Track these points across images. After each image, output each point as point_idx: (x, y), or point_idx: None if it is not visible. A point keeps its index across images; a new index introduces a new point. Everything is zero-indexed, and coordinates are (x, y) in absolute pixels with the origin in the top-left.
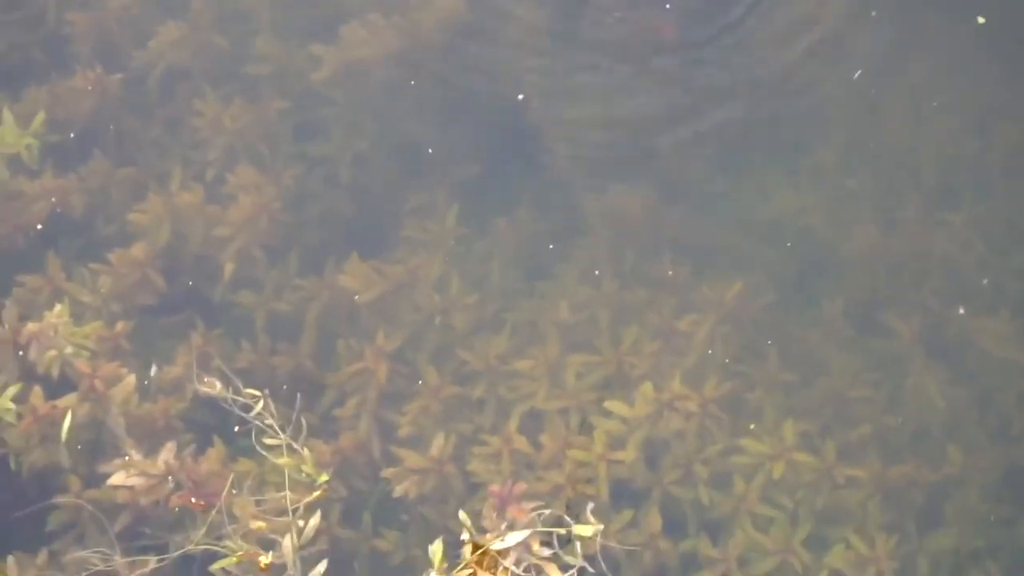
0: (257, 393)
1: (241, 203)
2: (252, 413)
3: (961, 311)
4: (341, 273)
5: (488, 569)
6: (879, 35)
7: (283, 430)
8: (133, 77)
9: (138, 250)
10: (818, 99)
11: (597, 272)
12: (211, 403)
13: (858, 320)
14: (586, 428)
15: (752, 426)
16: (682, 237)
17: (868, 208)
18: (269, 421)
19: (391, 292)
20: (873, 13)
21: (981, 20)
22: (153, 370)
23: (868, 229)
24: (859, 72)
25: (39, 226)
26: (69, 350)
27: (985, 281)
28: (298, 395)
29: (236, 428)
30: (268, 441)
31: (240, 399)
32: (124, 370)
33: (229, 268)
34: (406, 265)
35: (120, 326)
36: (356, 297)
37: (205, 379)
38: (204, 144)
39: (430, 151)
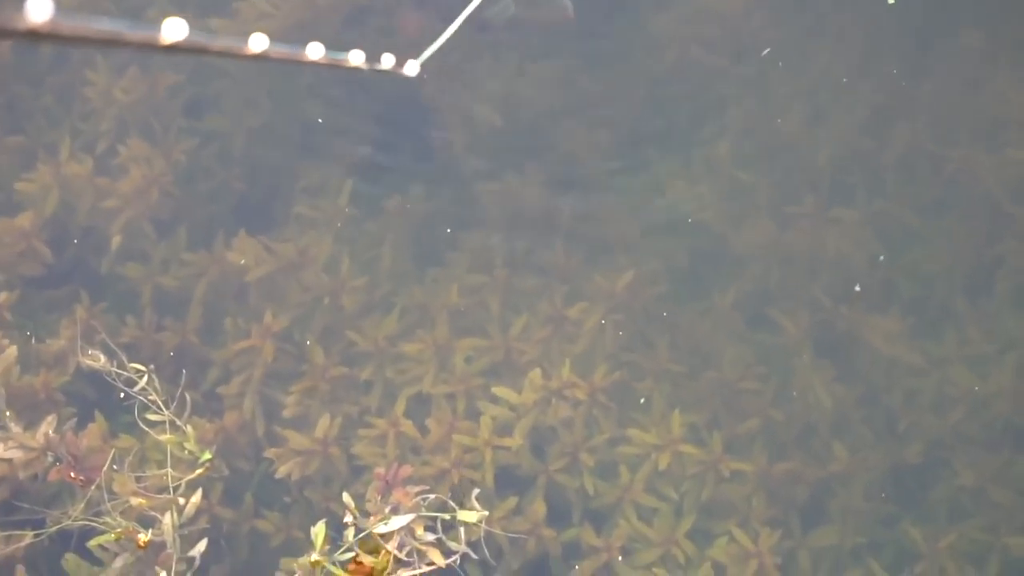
0: (142, 368)
1: (131, 175)
2: (136, 388)
3: (857, 287)
4: (230, 249)
5: (371, 552)
6: (778, 27)
7: (167, 406)
8: (25, 45)
9: (24, 220)
10: (714, 91)
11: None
12: (94, 377)
13: (749, 314)
14: (473, 413)
15: (639, 416)
16: (575, 226)
17: (762, 202)
18: (153, 397)
19: (280, 270)
20: (772, 7)
21: (891, 1)
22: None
23: (762, 223)
24: (767, 51)
25: None
26: None
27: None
28: (183, 372)
29: (122, 396)
30: (151, 417)
31: (124, 373)
32: (6, 341)
33: (117, 240)
34: (296, 244)
35: (3, 296)
36: (246, 276)
37: (89, 352)
38: (95, 115)
39: (324, 129)
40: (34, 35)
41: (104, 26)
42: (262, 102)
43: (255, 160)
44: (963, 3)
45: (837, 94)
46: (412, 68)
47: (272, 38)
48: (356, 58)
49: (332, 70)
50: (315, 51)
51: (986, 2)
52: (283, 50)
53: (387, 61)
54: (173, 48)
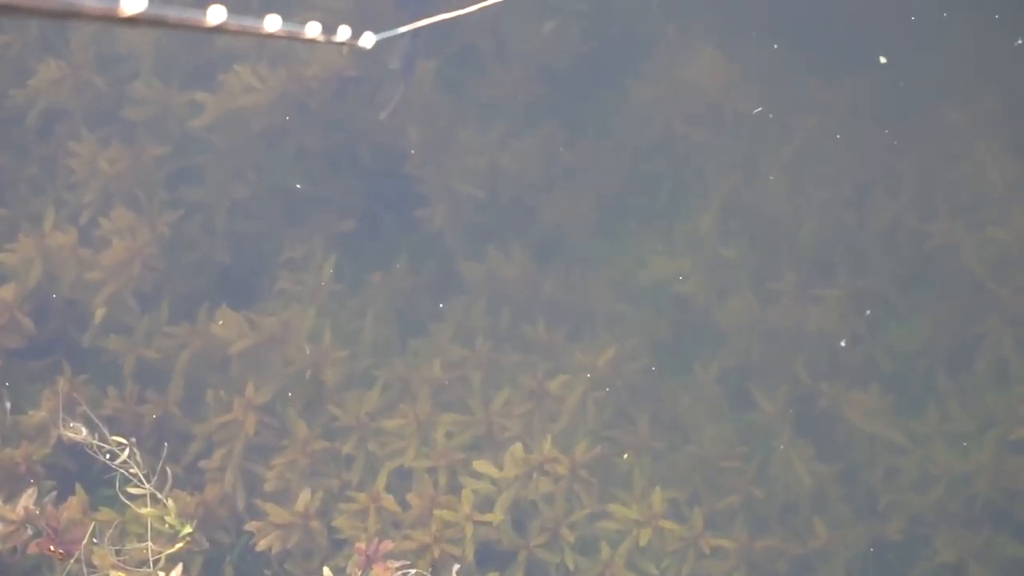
0: (123, 441)
1: (115, 247)
2: (117, 461)
3: (842, 343)
4: (213, 322)
5: None
6: (759, 101)
7: (148, 479)
8: (10, 115)
9: (6, 291)
10: (696, 165)
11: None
12: (74, 450)
13: (731, 389)
14: (454, 488)
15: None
16: (557, 300)
17: (744, 278)
18: (134, 470)
19: (262, 344)
20: (754, 82)
21: (883, 60)
22: (8, 406)
23: (744, 299)
24: (758, 109)
25: None
26: None
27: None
28: (164, 445)
29: (103, 469)
30: (132, 490)
31: (106, 446)
32: None
33: (100, 313)
34: (278, 317)
35: None
36: (228, 349)
37: (71, 424)
38: (79, 186)
39: (308, 201)
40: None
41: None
42: (246, 173)
43: (239, 232)
44: (943, 79)
45: (819, 169)
46: (367, 40)
47: (258, 111)
48: (312, 30)
49: (315, 137)
50: (272, 23)
51: (965, 78)
52: (240, 23)
53: (343, 33)
54: (132, 21)
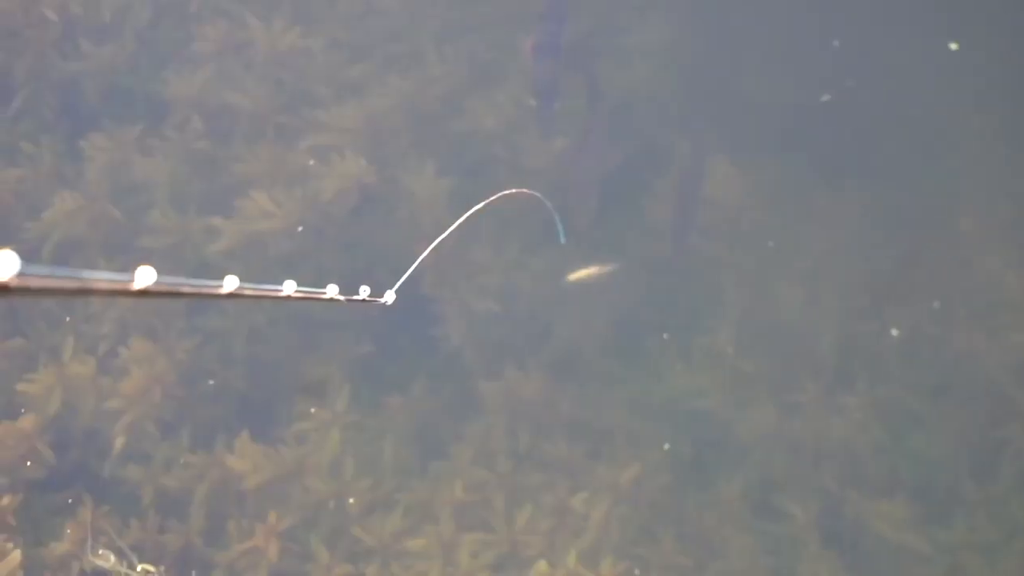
0: (151, 569)
1: (134, 376)
2: None
3: (894, 332)
4: (231, 453)
5: None
6: (774, 214)
7: None
8: (27, 248)
9: (27, 422)
10: (712, 279)
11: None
12: None
13: (755, 502)
14: None
15: None
16: (577, 418)
17: (764, 390)
18: None
19: (281, 476)
20: (767, 195)
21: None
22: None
23: (765, 411)
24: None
25: None
26: None
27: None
28: (193, 573)
29: None
30: None
31: (133, 574)
32: (9, 545)
33: (120, 442)
34: (297, 448)
35: (6, 500)
36: (246, 481)
37: (100, 552)
38: (97, 317)
39: (325, 326)
40: (4, 291)
41: (73, 278)
42: (263, 301)
43: (257, 358)
44: (955, 188)
45: (836, 279)
46: (389, 297)
47: (274, 236)
48: (332, 291)
49: (333, 258)
50: (289, 287)
51: (977, 187)
52: (256, 288)
53: (363, 291)
54: (144, 294)
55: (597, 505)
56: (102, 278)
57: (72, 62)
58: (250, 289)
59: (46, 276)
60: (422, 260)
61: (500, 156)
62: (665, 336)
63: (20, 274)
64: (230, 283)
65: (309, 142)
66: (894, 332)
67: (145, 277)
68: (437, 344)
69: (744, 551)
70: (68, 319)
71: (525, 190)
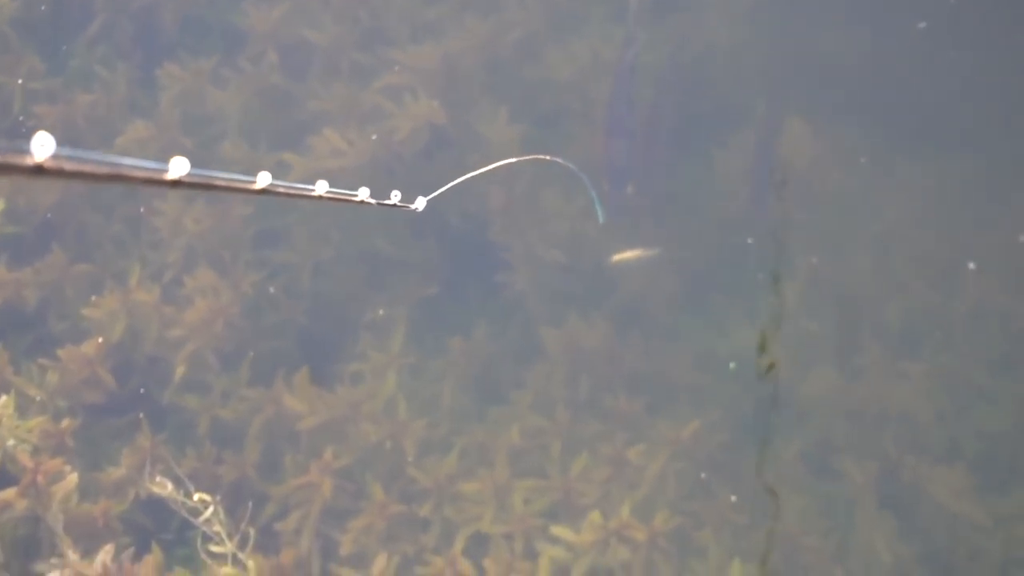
0: (208, 499)
1: (197, 306)
2: (200, 519)
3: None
4: (290, 391)
5: None
6: (847, 175)
7: (229, 539)
8: None
9: (89, 347)
10: (782, 238)
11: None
12: (151, 508)
13: (813, 463)
14: (531, 554)
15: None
16: (638, 370)
17: (828, 352)
18: (217, 528)
19: (336, 419)
20: (842, 158)
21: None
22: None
23: (827, 373)
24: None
25: None
26: (12, 443)
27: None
28: (248, 505)
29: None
30: (214, 549)
31: (189, 503)
32: (68, 467)
33: (180, 371)
34: (352, 392)
35: (66, 423)
36: (302, 421)
37: (157, 479)
38: (164, 244)
39: (391, 265)
40: (38, 172)
41: (106, 163)
42: (332, 235)
43: (321, 294)
44: None
45: (905, 246)
46: (420, 203)
47: (346, 175)
48: (363, 194)
49: (392, 209)
50: (321, 187)
51: None
52: (288, 186)
53: (395, 196)
54: (177, 184)
55: (654, 458)
56: (137, 165)
57: None
58: (282, 186)
59: (81, 160)
60: (464, 182)
61: (574, 107)
62: (731, 294)
63: (55, 156)
64: (263, 179)
65: (383, 81)
66: (971, 265)
67: (179, 167)
68: (501, 290)
69: (799, 512)
70: (135, 246)
71: (560, 160)
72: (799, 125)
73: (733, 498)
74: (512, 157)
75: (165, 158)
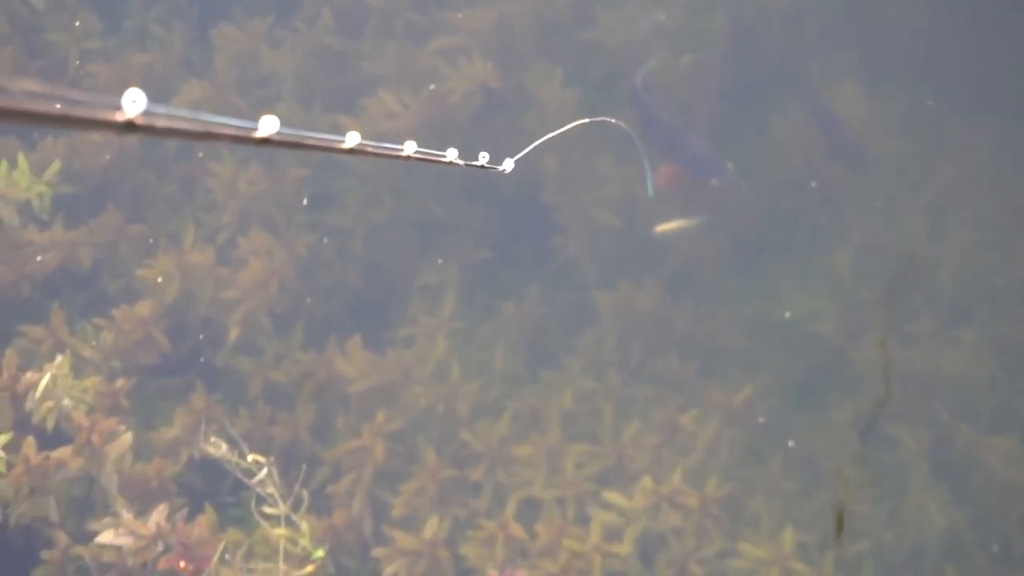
0: (262, 460)
1: (251, 267)
2: (254, 480)
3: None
4: (343, 355)
5: None
6: (901, 140)
7: (283, 500)
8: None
9: (143, 308)
10: (834, 203)
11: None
12: (204, 469)
13: (865, 431)
14: (583, 519)
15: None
16: (690, 335)
17: (880, 318)
18: (271, 490)
19: (388, 383)
20: (896, 122)
21: None
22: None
23: (879, 340)
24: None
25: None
26: (67, 402)
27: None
28: (303, 467)
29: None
30: (268, 510)
31: (244, 463)
32: (122, 427)
33: (235, 332)
34: (404, 355)
35: (120, 383)
36: (351, 387)
37: (212, 440)
38: (218, 206)
39: (444, 229)
40: (130, 127)
41: (199, 120)
42: (384, 199)
43: (374, 257)
44: None
45: (960, 211)
46: (508, 165)
47: (399, 138)
48: (451, 154)
49: (455, 169)
50: (409, 147)
51: None
52: (378, 147)
53: (483, 158)
54: (266, 142)
55: (706, 424)
56: (227, 123)
57: None
58: (371, 146)
59: (172, 116)
60: (546, 141)
61: (628, 71)
62: (784, 260)
63: (146, 113)
64: (352, 139)
65: (438, 43)
66: None
67: (269, 125)
68: (554, 254)
69: (852, 480)
70: (189, 207)
71: (618, 122)
72: (851, 87)
73: (791, 443)
74: (567, 119)
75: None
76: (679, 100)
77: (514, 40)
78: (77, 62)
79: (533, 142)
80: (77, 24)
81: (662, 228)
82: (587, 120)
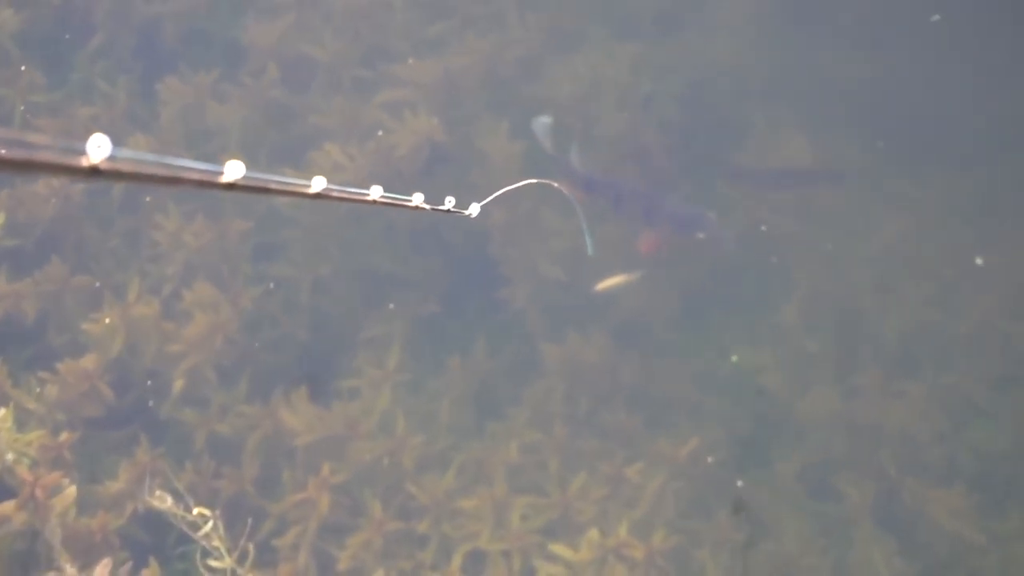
0: (207, 513)
1: (197, 321)
2: (200, 533)
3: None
4: (288, 407)
5: None
6: (847, 196)
7: (228, 554)
8: (97, 187)
9: (88, 361)
10: (780, 257)
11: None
12: (149, 522)
13: (812, 483)
14: (528, 571)
15: None
16: (637, 387)
17: (827, 371)
18: (216, 543)
19: (333, 437)
20: (845, 177)
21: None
22: None
23: (826, 392)
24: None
25: None
26: (10, 456)
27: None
28: (248, 520)
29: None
30: (213, 564)
31: (189, 516)
32: (66, 480)
33: (179, 385)
34: (348, 408)
35: (64, 436)
36: (299, 438)
37: (157, 493)
38: (163, 258)
39: (390, 281)
40: (95, 173)
41: (163, 164)
42: (331, 251)
43: (320, 309)
44: None
45: (904, 264)
46: (474, 209)
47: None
48: (417, 199)
49: (401, 216)
50: (375, 192)
51: None
52: (344, 191)
53: (449, 202)
54: (231, 187)
55: (652, 476)
56: (192, 167)
57: (153, 4)
58: (337, 190)
59: (137, 161)
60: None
61: (574, 125)
62: (730, 312)
63: (111, 157)
64: (318, 183)
65: (383, 97)
66: (979, 261)
67: (234, 170)
68: (501, 306)
69: (798, 532)
70: (135, 259)
71: (555, 184)
72: (797, 139)
73: (740, 483)
74: (513, 173)
75: None
76: (618, 163)
77: (460, 94)
78: (22, 114)
79: (481, 195)
80: (22, 79)
81: (603, 285)
82: (535, 180)
